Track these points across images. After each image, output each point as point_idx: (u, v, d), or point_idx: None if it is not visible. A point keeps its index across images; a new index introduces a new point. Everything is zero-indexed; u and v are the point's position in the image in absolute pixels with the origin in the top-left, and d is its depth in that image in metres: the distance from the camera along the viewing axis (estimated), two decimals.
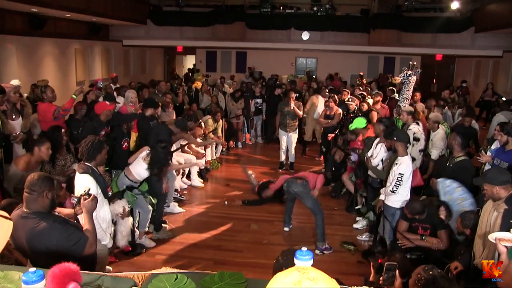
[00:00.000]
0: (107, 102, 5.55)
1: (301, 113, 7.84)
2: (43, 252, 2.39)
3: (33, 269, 1.56)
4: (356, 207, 5.92)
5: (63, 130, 4.68)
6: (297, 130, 8.00)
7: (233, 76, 14.13)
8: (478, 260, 3.11)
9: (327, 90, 9.23)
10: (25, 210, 2.46)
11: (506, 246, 2.09)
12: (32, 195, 2.44)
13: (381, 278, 2.60)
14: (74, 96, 5.61)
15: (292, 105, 7.55)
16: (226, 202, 6.32)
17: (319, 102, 8.68)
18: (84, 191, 2.76)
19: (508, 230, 2.42)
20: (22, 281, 1.54)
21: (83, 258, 2.44)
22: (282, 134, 7.94)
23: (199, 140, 6.91)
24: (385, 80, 12.98)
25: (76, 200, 2.74)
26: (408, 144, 5.44)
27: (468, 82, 14.63)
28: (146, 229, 4.89)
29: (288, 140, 7.86)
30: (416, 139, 5.64)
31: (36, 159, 4.19)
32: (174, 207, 5.92)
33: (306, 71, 15.58)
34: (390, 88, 9.36)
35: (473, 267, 3.19)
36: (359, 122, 5.92)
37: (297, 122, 7.99)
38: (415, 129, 5.69)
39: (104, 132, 5.22)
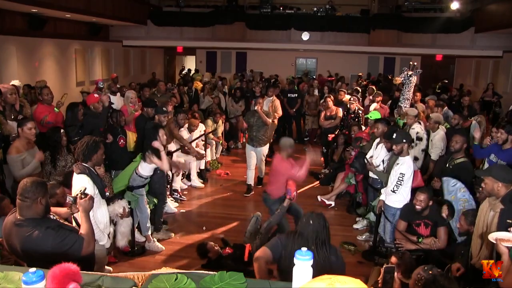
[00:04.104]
0: (95, 95, 5.68)
1: (269, 120, 6.51)
2: (39, 258, 2.33)
3: (33, 269, 1.56)
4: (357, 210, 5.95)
5: (62, 131, 4.68)
6: (268, 144, 6.76)
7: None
8: (475, 259, 3.11)
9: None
10: (19, 217, 2.41)
11: (507, 247, 2.08)
12: (25, 202, 2.38)
13: (379, 281, 2.60)
14: (56, 109, 5.67)
15: (257, 107, 6.42)
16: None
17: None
18: (80, 191, 2.75)
19: (507, 230, 2.42)
20: (22, 281, 1.54)
21: (81, 258, 2.41)
22: (249, 150, 6.58)
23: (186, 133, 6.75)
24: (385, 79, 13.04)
25: (72, 199, 2.73)
26: (412, 143, 5.47)
27: (468, 82, 14.66)
28: (149, 232, 4.86)
29: (257, 155, 6.59)
30: (419, 139, 5.65)
31: (23, 139, 4.26)
32: (167, 206, 5.88)
33: (304, 72, 15.62)
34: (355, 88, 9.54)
35: (470, 267, 3.19)
36: (375, 114, 6.18)
37: (267, 134, 6.61)
38: (418, 128, 5.70)
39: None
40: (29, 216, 2.40)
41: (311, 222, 2.64)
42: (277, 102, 7.76)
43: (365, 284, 1.28)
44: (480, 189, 3.37)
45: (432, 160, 5.71)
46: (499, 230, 2.65)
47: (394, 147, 4.37)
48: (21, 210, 2.40)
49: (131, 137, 5.82)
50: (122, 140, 5.39)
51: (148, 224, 4.82)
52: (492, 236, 2.32)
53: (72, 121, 5.28)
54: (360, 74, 14.25)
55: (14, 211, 2.49)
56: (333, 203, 6.29)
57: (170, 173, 5.79)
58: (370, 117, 6.20)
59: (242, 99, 9.65)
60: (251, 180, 6.73)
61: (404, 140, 4.30)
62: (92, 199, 2.75)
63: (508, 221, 2.80)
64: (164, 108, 5.60)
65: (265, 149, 6.63)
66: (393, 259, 3.11)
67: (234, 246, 4.51)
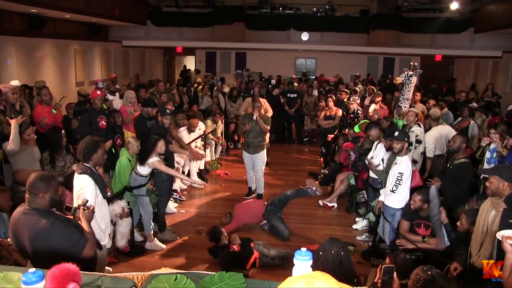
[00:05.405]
0: (98, 92, 5.91)
1: (268, 127, 6.17)
2: (43, 250, 2.42)
3: (32, 269, 1.56)
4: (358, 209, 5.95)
5: (62, 131, 4.68)
6: (264, 150, 6.38)
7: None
8: (474, 258, 3.11)
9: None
10: (27, 207, 2.50)
11: None
12: (32, 196, 2.48)
13: (378, 281, 2.59)
14: (54, 111, 5.68)
15: (255, 115, 5.96)
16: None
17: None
18: (82, 202, 2.80)
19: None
20: (21, 281, 1.54)
21: (82, 260, 2.45)
22: (246, 157, 6.33)
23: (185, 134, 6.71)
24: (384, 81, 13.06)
25: (73, 210, 2.76)
26: (410, 147, 5.48)
27: (468, 82, 14.66)
28: (151, 231, 4.86)
29: (253, 163, 6.28)
30: (419, 142, 5.62)
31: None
32: (168, 207, 5.88)
33: (302, 72, 15.62)
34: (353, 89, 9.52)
35: (469, 266, 3.18)
36: (357, 128, 6.34)
37: (264, 140, 6.35)
38: (417, 131, 5.67)
39: (103, 122, 5.27)
40: (36, 206, 2.49)
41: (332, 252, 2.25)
42: (266, 104, 7.77)
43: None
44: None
45: (428, 158, 5.69)
46: (501, 230, 2.64)
47: (394, 144, 4.33)
48: (30, 203, 2.50)
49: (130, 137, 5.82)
50: (119, 140, 5.40)
51: (151, 224, 4.83)
52: (500, 234, 2.32)
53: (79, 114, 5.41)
54: (357, 74, 14.28)
55: (22, 204, 2.57)
56: (335, 205, 6.28)
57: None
58: (355, 131, 6.32)
59: (239, 97, 9.65)
60: (251, 183, 6.63)
61: (406, 139, 4.36)
62: (93, 210, 2.81)
63: (511, 221, 2.79)
64: (168, 110, 5.53)
65: (262, 156, 6.29)
66: (387, 260, 3.12)
67: (242, 245, 4.51)
